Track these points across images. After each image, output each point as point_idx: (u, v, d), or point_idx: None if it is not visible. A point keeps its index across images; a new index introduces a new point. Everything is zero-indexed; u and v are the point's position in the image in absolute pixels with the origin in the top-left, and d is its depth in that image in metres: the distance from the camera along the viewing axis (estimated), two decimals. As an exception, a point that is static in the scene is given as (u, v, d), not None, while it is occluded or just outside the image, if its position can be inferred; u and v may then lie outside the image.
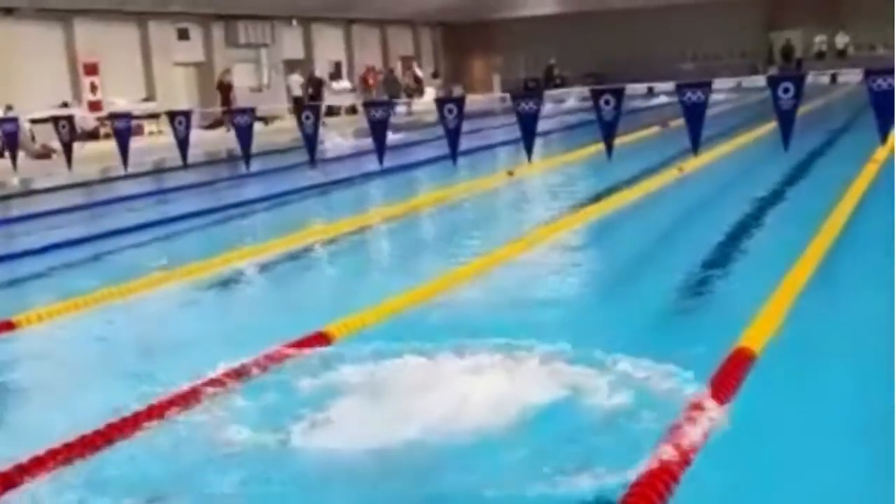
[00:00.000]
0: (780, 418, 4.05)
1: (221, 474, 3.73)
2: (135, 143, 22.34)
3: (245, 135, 8.80)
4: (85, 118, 22.32)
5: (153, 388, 4.56)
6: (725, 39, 38.96)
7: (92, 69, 26.36)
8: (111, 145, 18.44)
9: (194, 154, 16.74)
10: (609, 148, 7.66)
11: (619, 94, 7.43)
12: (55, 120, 10.21)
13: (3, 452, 3.86)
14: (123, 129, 9.44)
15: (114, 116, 9.92)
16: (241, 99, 27.53)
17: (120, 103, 24.12)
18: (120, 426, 4.12)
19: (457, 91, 37.30)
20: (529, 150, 7.87)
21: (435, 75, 40.59)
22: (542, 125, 8.74)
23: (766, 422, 4.03)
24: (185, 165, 10.08)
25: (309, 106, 8.96)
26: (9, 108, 21.73)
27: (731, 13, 38.73)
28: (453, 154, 8.30)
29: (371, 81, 33.73)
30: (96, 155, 17.65)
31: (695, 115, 7.44)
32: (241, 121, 8.78)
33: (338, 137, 20.83)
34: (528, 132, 7.81)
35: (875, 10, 36.59)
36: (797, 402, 4.21)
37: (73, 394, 4.94)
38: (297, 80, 29.63)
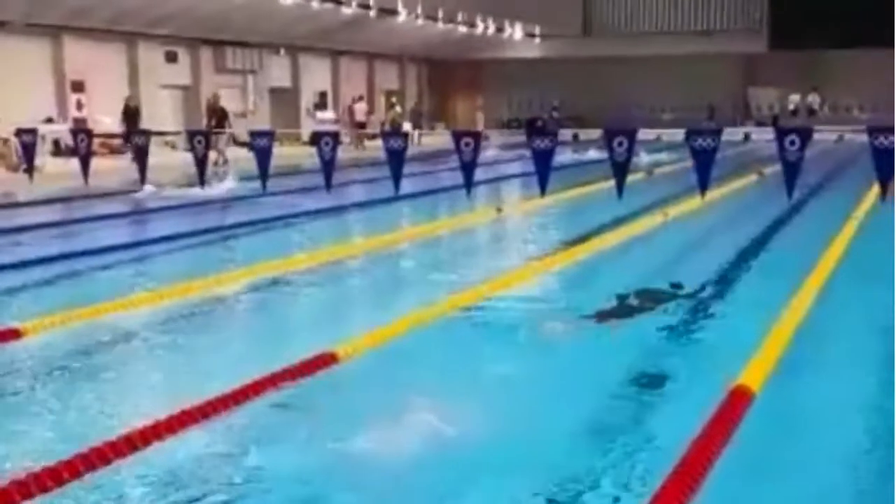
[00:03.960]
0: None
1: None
2: (119, 162, 22.14)
3: (265, 156, 9.07)
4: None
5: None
6: (705, 93, 39.78)
7: (79, 86, 26.37)
8: (96, 163, 18.39)
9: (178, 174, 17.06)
10: (620, 188, 7.90)
11: (631, 135, 7.68)
12: (74, 133, 10.32)
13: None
14: (143, 145, 9.61)
15: (137, 133, 10.05)
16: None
17: (106, 122, 24.15)
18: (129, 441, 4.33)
19: (439, 128, 37.78)
20: (543, 185, 8.09)
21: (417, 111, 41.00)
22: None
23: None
24: (202, 183, 10.22)
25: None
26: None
27: (711, 68, 39.60)
28: (468, 186, 8.53)
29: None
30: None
31: (704, 160, 7.69)
32: (262, 143, 9.01)
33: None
34: (542, 167, 8.05)
35: (850, 73, 37.68)
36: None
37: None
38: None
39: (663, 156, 23.51)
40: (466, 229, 12.57)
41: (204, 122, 26.10)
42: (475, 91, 43.51)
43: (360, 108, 33.38)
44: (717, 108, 39.00)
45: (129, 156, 20.26)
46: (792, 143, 7.45)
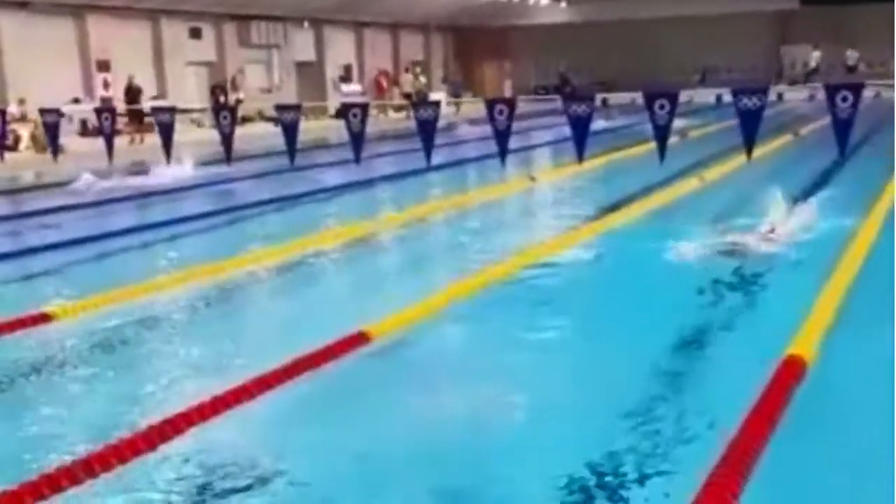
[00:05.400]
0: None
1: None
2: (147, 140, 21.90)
3: (292, 131, 8.88)
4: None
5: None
6: (736, 53, 38.99)
7: (104, 66, 26.27)
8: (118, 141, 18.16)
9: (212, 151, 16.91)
10: (662, 151, 7.61)
11: (673, 99, 7.38)
12: (98, 112, 10.19)
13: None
14: (167, 123, 9.44)
15: (158, 111, 9.89)
16: (250, 99, 27.53)
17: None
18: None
19: (466, 96, 37.37)
20: (581, 150, 7.83)
21: (445, 80, 40.57)
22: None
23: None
24: (229, 160, 10.06)
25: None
26: (21, 101, 21.65)
27: (741, 27, 38.79)
28: (502, 154, 8.27)
29: (385, 84, 33.88)
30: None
31: (750, 119, 7.38)
32: (288, 118, 8.82)
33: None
34: (579, 133, 7.78)
35: (884, 28, 36.67)
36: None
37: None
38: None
39: (693, 120, 22.91)
40: (503, 198, 12.29)
41: (231, 97, 25.93)
42: (502, 58, 43.00)
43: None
44: (707, 71, 38.33)
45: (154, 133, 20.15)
46: (844, 99, 7.10)
